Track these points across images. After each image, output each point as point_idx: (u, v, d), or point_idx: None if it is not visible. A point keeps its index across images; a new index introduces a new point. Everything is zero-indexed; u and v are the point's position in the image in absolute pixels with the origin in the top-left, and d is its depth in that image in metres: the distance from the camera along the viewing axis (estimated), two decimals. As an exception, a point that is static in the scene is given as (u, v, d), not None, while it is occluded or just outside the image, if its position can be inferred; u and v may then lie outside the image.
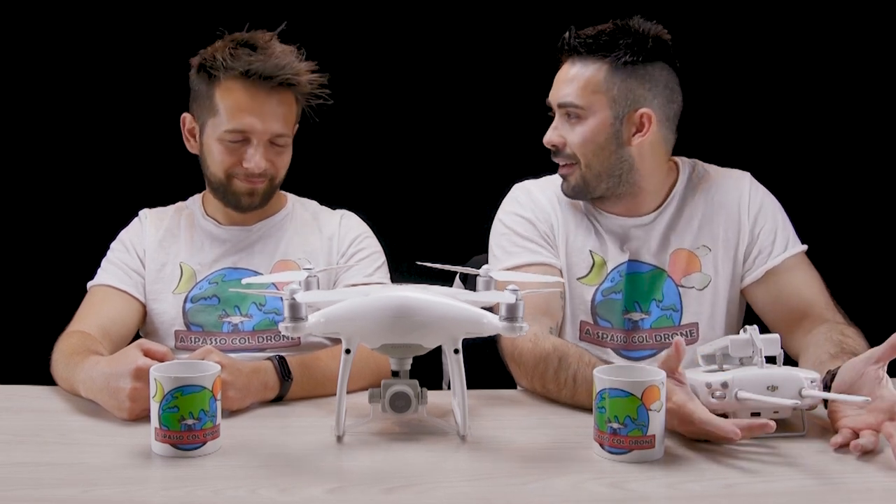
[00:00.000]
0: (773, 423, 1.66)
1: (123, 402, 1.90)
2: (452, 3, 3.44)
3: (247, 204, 2.43)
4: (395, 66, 3.46)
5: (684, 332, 2.39)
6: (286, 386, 2.09)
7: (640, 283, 2.41)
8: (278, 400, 2.09)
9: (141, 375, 1.86)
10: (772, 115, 3.48)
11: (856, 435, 1.74)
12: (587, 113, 2.33)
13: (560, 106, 2.37)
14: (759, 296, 2.40)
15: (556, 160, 2.41)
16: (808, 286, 2.35)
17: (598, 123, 2.33)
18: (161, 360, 1.89)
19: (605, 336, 2.41)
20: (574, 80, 2.34)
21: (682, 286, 2.40)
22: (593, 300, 2.41)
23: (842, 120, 3.48)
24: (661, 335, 2.40)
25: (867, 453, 1.71)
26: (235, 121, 2.34)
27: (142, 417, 1.87)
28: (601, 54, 2.31)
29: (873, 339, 2.14)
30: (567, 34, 2.37)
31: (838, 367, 1.88)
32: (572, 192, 2.42)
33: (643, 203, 2.43)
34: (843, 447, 1.73)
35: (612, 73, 2.31)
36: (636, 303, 2.40)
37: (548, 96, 2.41)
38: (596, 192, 2.40)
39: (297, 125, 2.48)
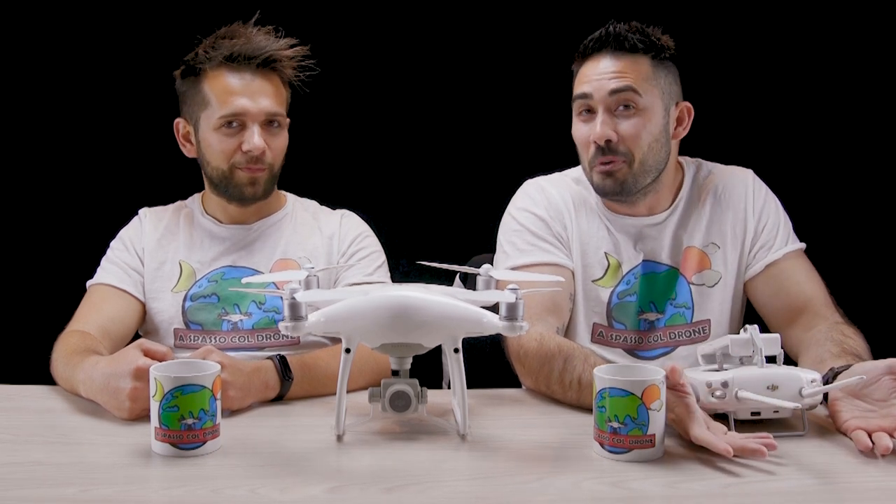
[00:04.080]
0: (765, 451, 1.65)
1: (123, 402, 1.90)
2: (451, 1, 3.44)
3: (250, 194, 2.43)
4: (394, 67, 3.47)
5: (696, 330, 2.41)
6: (286, 385, 2.09)
7: (656, 284, 2.42)
8: (278, 399, 2.10)
9: (141, 375, 1.86)
10: (771, 115, 3.49)
11: (868, 436, 1.73)
12: (644, 102, 2.30)
13: (614, 93, 2.30)
14: (760, 289, 2.41)
15: (604, 157, 2.33)
16: (808, 281, 2.36)
17: (653, 115, 2.32)
18: (161, 360, 1.90)
19: (618, 338, 2.42)
20: (625, 70, 2.30)
21: (694, 284, 2.42)
22: (609, 302, 2.42)
23: (841, 119, 3.49)
24: (675, 332, 2.41)
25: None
26: (228, 105, 2.35)
27: (142, 417, 1.87)
28: (643, 49, 2.31)
29: (872, 339, 2.15)
30: (603, 32, 2.33)
31: (842, 366, 1.89)
32: (617, 189, 2.36)
33: (659, 202, 2.45)
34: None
35: (655, 66, 2.32)
36: (651, 303, 2.41)
37: (576, 90, 2.36)
38: (636, 189, 2.37)
39: (289, 115, 2.48)
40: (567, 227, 2.45)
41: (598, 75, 2.33)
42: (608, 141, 2.31)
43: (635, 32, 2.32)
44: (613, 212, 2.45)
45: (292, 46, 2.43)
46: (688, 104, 2.39)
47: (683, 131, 2.40)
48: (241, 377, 2.00)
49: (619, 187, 2.36)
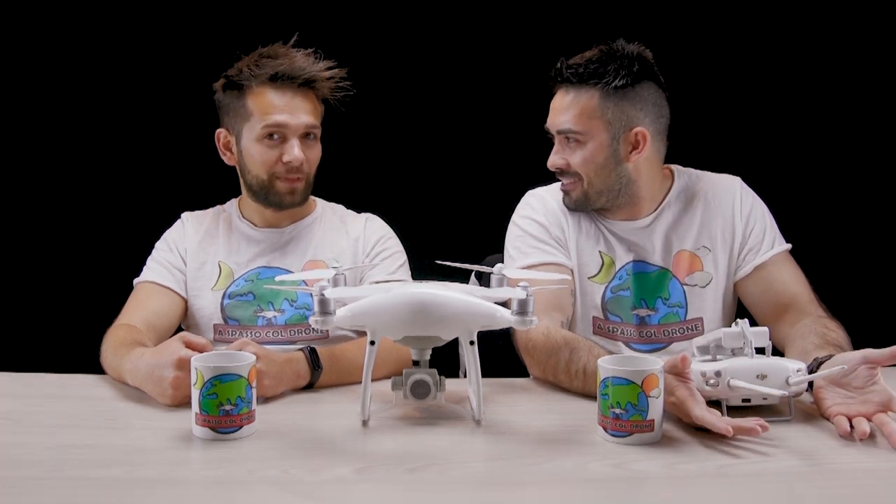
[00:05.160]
0: (759, 430, 1.64)
1: (166, 390, 1.90)
2: (469, 18, 3.45)
3: (289, 202, 2.44)
4: (416, 82, 3.47)
5: (689, 327, 2.41)
6: (316, 375, 2.09)
7: (646, 282, 2.42)
8: (309, 387, 2.09)
9: (182, 365, 1.86)
10: (759, 125, 3.48)
11: (849, 421, 1.73)
12: (586, 137, 2.34)
13: (559, 133, 2.38)
14: (749, 289, 2.41)
15: (560, 179, 2.44)
16: (793, 281, 2.36)
17: (597, 146, 2.34)
18: (201, 351, 1.90)
19: (616, 330, 2.42)
20: (570, 108, 2.35)
21: (687, 284, 2.42)
22: (603, 297, 2.42)
23: (824, 129, 3.48)
24: (669, 330, 2.41)
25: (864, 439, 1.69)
26: (270, 119, 2.36)
27: (183, 403, 1.87)
28: (592, 82, 2.32)
29: (853, 332, 2.14)
30: (558, 65, 2.36)
31: (825, 356, 1.89)
32: (574, 206, 2.45)
33: (640, 209, 2.45)
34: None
35: (604, 98, 2.32)
36: (643, 300, 2.41)
37: (545, 123, 2.42)
38: (596, 205, 2.43)
39: (321, 128, 2.49)
40: (564, 230, 2.47)
41: (553, 109, 2.42)
42: (558, 168, 2.41)
43: (594, 62, 2.33)
44: (601, 216, 2.47)
45: (330, 69, 2.43)
46: (641, 130, 2.34)
47: (638, 155, 2.36)
48: (275, 367, 2.00)
49: (575, 205, 2.45)
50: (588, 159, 2.35)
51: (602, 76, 2.31)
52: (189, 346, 1.94)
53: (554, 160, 2.40)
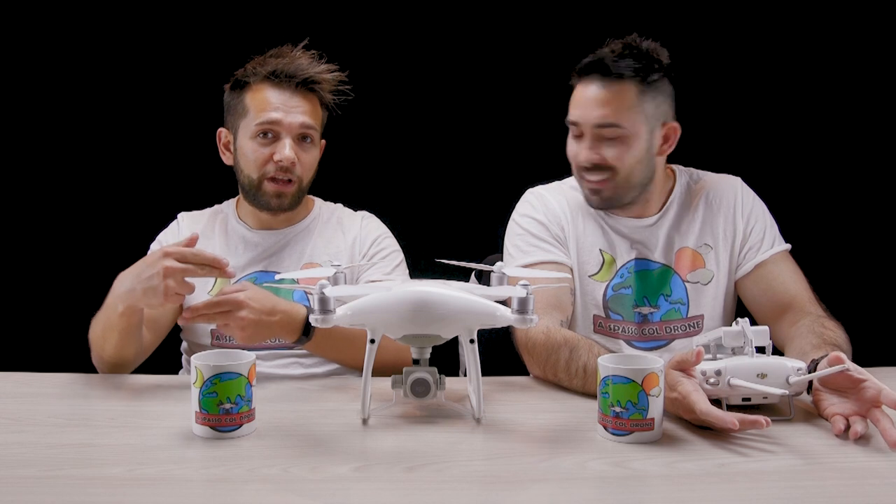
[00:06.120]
0: (763, 422, 1.64)
1: (158, 286, 1.96)
2: (469, 17, 3.46)
3: (276, 206, 2.42)
4: (415, 81, 3.47)
5: (691, 324, 2.41)
6: (302, 340, 2.17)
7: (649, 280, 2.42)
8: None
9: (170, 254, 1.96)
10: (759, 128, 3.48)
11: (846, 420, 1.74)
12: (626, 131, 2.29)
13: (598, 126, 2.30)
14: (749, 288, 2.41)
15: (590, 177, 2.36)
16: (793, 280, 2.36)
17: (636, 139, 2.31)
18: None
19: (617, 328, 2.42)
20: (609, 100, 2.29)
21: (689, 281, 2.42)
22: (604, 295, 2.42)
23: (823, 131, 3.48)
24: (671, 327, 2.41)
25: (859, 438, 1.70)
26: (264, 114, 2.35)
27: (177, 299, 2.00)
28: (629, 74, 2.28)
29: (853, 332, 2.14)
30: (591, 57, 2.32)
31: (822, 356, 1.88)
32: (604, 204, 2.40)
33: (649, 207, 2.44)
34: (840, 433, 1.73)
35: (642, 91, 2.29)
36: (645, 297, 2.41)
37: (568, 115, 2.36)
38: (624, 201, 2.39)
39: (322, 133, 2.49)
40: (564, 228, 2.46)
41: (585, 102, 2.32)
42: (595, 164, 2.33)
43: (626, 55, 2.30)
44: (608, 214, 2.46)
45: (332, 72, 2.43)
46: (674, 124, 2.35)
47: (669, 149, 2.37)
48: (268, 319, 2.10)
49: (605, 203, 2.40)
50: (631, 154, 2.31)
51: (638, 70, 2.28)
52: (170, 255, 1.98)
53: (590, 156, 2.32)
